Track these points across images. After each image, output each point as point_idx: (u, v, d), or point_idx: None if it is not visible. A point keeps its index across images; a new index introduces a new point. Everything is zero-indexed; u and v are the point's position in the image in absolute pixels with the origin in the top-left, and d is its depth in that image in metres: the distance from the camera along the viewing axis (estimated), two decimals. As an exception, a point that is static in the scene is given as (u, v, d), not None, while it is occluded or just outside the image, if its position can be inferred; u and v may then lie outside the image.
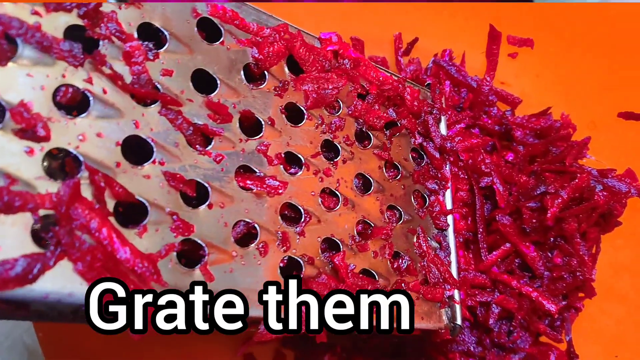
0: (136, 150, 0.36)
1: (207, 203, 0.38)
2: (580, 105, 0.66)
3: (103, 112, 0.34)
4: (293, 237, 0.43)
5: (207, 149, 0.39)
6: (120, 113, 0.35)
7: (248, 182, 0.41)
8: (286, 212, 0.44)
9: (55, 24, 0.33)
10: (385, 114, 0.54)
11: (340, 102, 0.50)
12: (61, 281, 0.30)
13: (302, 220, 0.44)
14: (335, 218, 0.47)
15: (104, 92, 0.34)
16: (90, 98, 0.34)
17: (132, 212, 0.35)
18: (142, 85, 0.36)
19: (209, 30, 0.42)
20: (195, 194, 0.38)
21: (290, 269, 0.42)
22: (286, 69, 0.46)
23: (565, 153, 0.59)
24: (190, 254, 0.37)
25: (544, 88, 0.70)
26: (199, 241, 0.37)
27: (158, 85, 0.37)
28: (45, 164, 0.31)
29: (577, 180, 0.55)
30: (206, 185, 0.38)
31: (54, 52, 0.32)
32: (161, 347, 0.58)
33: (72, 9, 0.34)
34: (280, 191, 0.42)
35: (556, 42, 0.68)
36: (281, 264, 0.42)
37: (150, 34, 0.38)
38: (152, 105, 0.36)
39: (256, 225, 0.40)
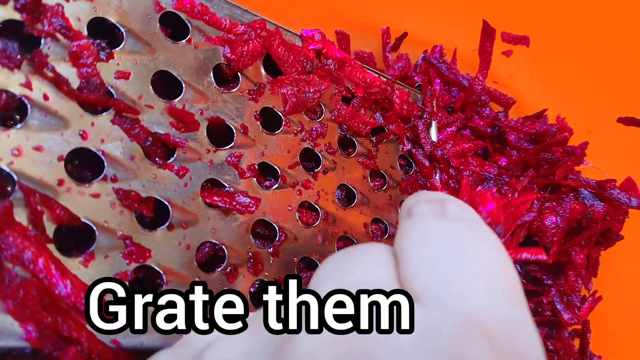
0: (84, 165, 0.32)
1: (166, 224, 0.33)
2: (578, 108, 0.62)
3: (44, 121, 0.29)
4: (266, 258, 0.39)
5: (168, 161, 0.34)
6: (65, 122, 0.30)
7: (215, 198, 0.36)
8: (258, 230, 0.40)
9: (-14, 18, 0.28)
10: (372, 119, 0.49)
11: (323, 107, 0.46)
12: (-14, 323, 0.26)
13: (277, 238, 0.40)
14: (315, 235, 0.43)
15: (46, 98, 0.30)
16: (28, 105, 0.29)
17: (80, 235, 0.31)
18: (92, 90, 0.31)
19: (174, 27, 0.37)
20: (153, 214, 0.33)
21: (262, 294, 0.38)
22: (262, 70, 0.41)
23: (563, 164, 0.55)
24: (147, 282, 0.33)
25: (539, 89, 0.66)
26: (156, 268, 0.32)
27: (111, 90, 0.32)
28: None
29: (568, 213, 0.52)
30: (166, 203, 0.34)
31: (-17, 52, 0.28)
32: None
33: (7, 0, 0.29)
34: (251, 209, 0.37)
35: (553, 41, 0.64)
36: (252, 289, 0.37)
37: (104, 31, 0.33)
38: (104, 113, 0.32)
39: (224, 247, 0.36)
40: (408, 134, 0.54)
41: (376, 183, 0.50)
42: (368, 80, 0.49)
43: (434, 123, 0.56)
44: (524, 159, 0.60)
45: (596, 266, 0.57)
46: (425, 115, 0.55)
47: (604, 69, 0.63)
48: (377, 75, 0.50)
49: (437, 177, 0.55)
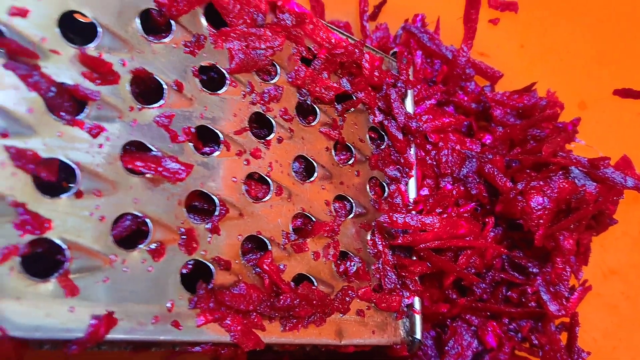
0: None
1: (73, 190, 0.28)
2: (570, 81, 0.57)
3: None
4: (202, 236, 0.33)
5: (77, 117, 0.29)
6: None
7: (138, 163, 0.31)
8: (196, 203, 0.35)
9: None
10: (336, 84, 0.44)
11: (278, 67, 0.40)
12: None
13: (216, 213, 0.34)
14: (265, 211, 0.37)
15: None
16: None
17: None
18: (-24, 27, 0.26)
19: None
20: (57, 179, 0.28)
21: (197, 276, 0.33)
22: (203, 20, 0.36)
23: (551, 139, 0.50)
24: (46, 258, 0.28)
25: (528, 60, 0.61)
26: (58, 241, 0.27)
27: (2, 29, 0.27)
28: None
29: (556, 193, 0.47)
30: (74, 166, 0.28)
31: None
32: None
33: None
34: (181, 176, 0.32)
35: (543, 7, 0.59)
36: (184, 270, 0.32)
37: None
38: (-7, 57, 0.27)
39: (148, 219, 0.31)
40: (380, 104, 0.48)
41: (342, 157, 0.45)
42: (333, 40, 0.44)
43: (410, 93, 0.51)
44: (509, 136, 0.55)
45: (587, 253, 0.52)
46: (399, 84, 0.50)
47: (599, 37, 0.58)
48: (344, 37, 0.45)
49: (412, 152, 0.49)
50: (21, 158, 0.27)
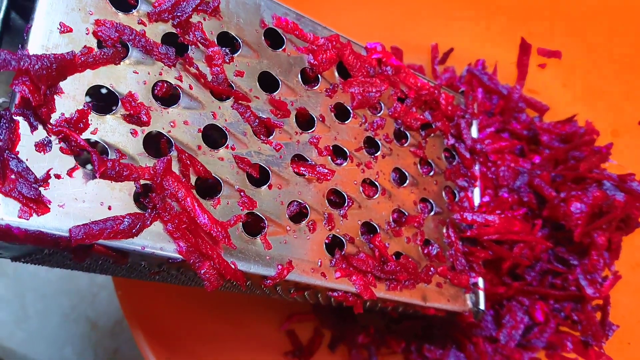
0: (213, 136, 0.44)
1: (267, 184, 0.45)
2: (605, 114, 0.71)
3: (189, 104, 0.42)
4: (337, 219, 0.49)
5: (269, 138, 0.46)
6: (202, 106, 0.42)
7: (301, 168, 0.47)
8: (332, 197, 0.51)
9: (156, 31, 0.41)
10: (421, 117, 0.60)
11: (382, 104, 0.56)
12: (155, 237, 0.38)
13: (345, 204, 0.50)
14: (374, 205, 0.53)
15: (190, 88, 0.42)
16: (180, 92, 0.41)
17: (205, 188, 0.43)
18: (220, 84, 0.43)
19: (273, 39, 0.49)
20: (259, 176, 0.45)
21: (334, 245, 0.49)
22: (336, 74, 0.53)
23: (588, 158, 0.64)
24: (253, 225, 0.44)
25: (570, 96, 0.75)
26: (260, 215, 0.44)
27: (232, 84, 0.44)
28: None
29: (591, 200, 0.60)
30: (267, 169, 0.45)
31: (154, 54, 0.40)
32: (214, 312, 0.66)
33: (168, 19, 0.41)
34: (328, 178, 0.49)
35: (583, 54, 0.73)
36: (326, 241, 0.48)
37: (227, 41, 0.45)
38: (227, 100, 0.44)
39: (307, 205, 0.47)
40: (452, 131, 0.64)
41: (424, 170, 0.60)
42: (419, 84, 0.60)
43: (475, 122, 0.66)
44: (554, 156, 0.69)
45: (618, 250, 0.65)
46: (467, 116, 0.65)
47: (628, 78, 0.71)
48: (427, 81, 0.61)
49: (476, 168, 0.64)
50: (242, 162, 0.43)
